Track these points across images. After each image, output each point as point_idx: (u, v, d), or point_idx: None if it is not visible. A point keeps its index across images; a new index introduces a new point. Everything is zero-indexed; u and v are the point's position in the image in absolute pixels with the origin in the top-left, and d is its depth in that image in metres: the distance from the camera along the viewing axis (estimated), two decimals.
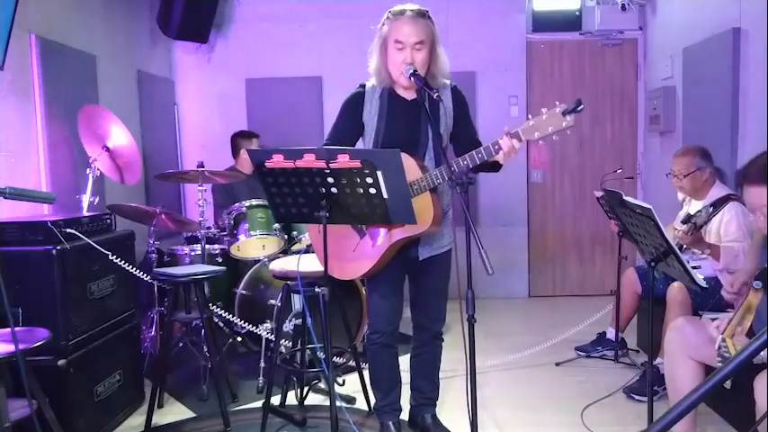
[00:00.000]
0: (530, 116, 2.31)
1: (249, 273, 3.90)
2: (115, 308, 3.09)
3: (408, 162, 2.37)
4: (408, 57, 2.43)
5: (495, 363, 3.85)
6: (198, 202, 3.77)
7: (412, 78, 2.40)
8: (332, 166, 2.07)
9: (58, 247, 2.66)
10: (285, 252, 3.98)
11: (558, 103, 2.27)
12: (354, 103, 2.61)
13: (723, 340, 2.09)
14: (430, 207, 2.41)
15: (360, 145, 2.64)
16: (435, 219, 2.43)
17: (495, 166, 2.51)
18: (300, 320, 3.20)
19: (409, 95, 2.58)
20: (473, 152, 2.34)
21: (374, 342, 2.72)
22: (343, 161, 2.05)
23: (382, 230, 2.48)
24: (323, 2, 5.48)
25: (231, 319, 3.67)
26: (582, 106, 2.20)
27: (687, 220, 3.04)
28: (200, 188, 3.76)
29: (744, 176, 2.15)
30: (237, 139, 4.69)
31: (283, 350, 3.37)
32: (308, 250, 3.60)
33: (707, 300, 3.06)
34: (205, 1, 5.13)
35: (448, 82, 2.63)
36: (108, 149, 3.57)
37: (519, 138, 2.30)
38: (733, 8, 3.86)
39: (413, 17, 2.45)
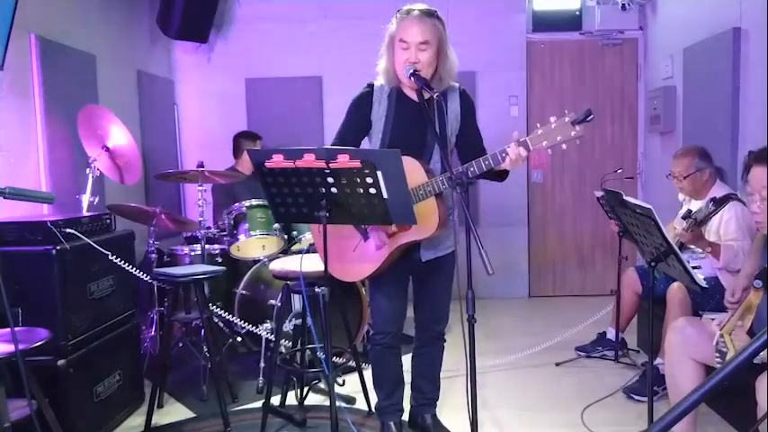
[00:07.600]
0: (538, 125, 2.25)
1: (249, 273, 3.89)
2: (115, 308, 3.09)
3: (414, 166, 2.36)
4: (412, 56, 2.41)
5: (495, 363, 3.85)
6: (198, 202, 3.77)
7: (412, 78, 2.38)
8: (332, 166, 2.06)
9: (58, 247, 2.66)
10: (285, 252, 3.98)
11: (567, 111, 2.21)
12: (362, 103, 2.59)
13: (721, 336, 2.10)
14: (435, 212, 2.40)
15: (365, 144, 2.62)
16: (440, 223, 2.41)
17: (500, 175, 2.47)
18: (300, 320, 3.20)
19: (417, 96, 2.55)
20: (480, 159, 2.30)
21: (378, 343, 2.71)
22: (343, 161, 2.05)
23: (387, 234, 2.47)
24: (323, 2, 5.47)
25: (231, 319, 3.67)
26: (592, 116, 2.13)
27: (687, 216, 3.04)
28: (200, 188, 3.75)
29: (755, 158, 2.25)
30: (240, 140, 4.69)
31: (283, 350, 3.37)
32: (309, 250, 3.60)
33: (707, 300, 3.06)
34: (205, 1, 5.13)
35: (456, 85, 2.60)
36: (108, 149, 3.56)
37: (527, 147, 2.24)
38: (733, 8, 3.86)
39: (419, 16, 2.43)
